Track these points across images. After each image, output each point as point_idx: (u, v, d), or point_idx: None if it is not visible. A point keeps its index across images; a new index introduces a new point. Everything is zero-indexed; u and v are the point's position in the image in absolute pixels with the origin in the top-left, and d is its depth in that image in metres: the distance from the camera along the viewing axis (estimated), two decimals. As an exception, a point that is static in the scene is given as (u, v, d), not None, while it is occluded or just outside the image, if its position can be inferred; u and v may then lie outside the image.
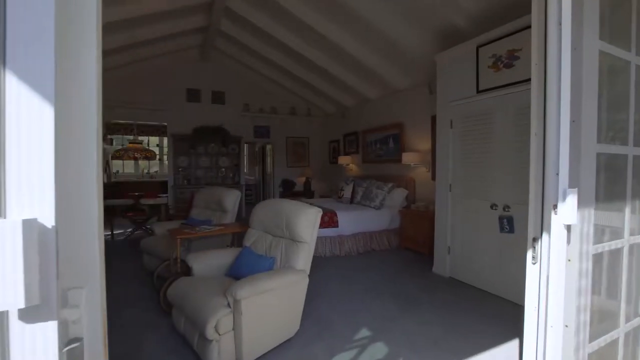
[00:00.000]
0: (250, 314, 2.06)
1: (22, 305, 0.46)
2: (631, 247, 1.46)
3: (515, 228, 3.08)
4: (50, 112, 0.50)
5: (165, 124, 7.48)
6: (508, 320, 2.72)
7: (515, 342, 2.41)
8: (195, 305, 2.14)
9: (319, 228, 2.58)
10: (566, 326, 1.25)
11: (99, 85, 0.63)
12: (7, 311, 0.49)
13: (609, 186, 1.49)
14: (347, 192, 6.02)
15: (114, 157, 9.15)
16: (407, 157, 5.34)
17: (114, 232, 5.87)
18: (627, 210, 1.44)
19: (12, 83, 0.49)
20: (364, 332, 2.56)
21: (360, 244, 4.96)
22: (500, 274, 3.23)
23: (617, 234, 1.49)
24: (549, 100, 1.25)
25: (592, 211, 1.29)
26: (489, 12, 3.44)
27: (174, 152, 7.49)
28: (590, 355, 1.32)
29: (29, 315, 0.49)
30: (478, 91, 3.40)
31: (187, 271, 2.68)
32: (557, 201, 1.17)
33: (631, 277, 1.49)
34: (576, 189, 1.16)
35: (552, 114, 1.24)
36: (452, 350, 2.33)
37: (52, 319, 0.51)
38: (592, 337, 1.34)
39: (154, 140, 11.02)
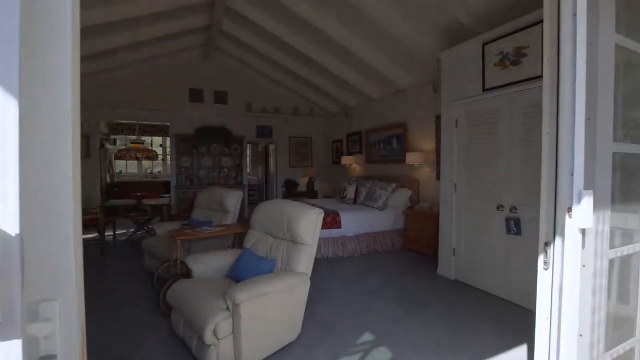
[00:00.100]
0: (250, 318, 2.01)
1: (-24, 325, 0.41)
2: (648, 251, 1.39)
3: (523, 230, 3.01)
4: (14, 112, 0.45)
5: (168, 124, 7.47)
6: (515, 324, 2.65)
7: (523, 348, 2.34)
8: (193, 308, 2.10)
9: (322, 229, 2.52)
10: (580, 335, 1.18)
11: (76, 84, 0.58)
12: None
13: (624, 185, 1.42)
14: (350, 193, 5.96)
15: (117, 157, 9.16)
16: (411, 157, 5.26)
17: (117, 232, 5.86)
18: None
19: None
20: (367, 336, 2.50)
21: (364, 245, 4.89)
22: (507, 276, 3.15)
23: (632, 237, 1.42)
24: (562, 97, 1.19)
25: (608, 213, 1.23)
26: (495, 8, 3.37)
27: (176, 152, 7.48)
28: (605, 366, 1.25)
29: (-13, 334, 0.44)
30: (484, 89, 3.33)
31: (187, 272, 2.64)
32: (571, 203, 1.10)
33: (648, 282, 1.42)
34: (592, 190, 1.10)
35: (565, 111, 1.17)
36: (458, 355, 2.26)
37: (15, 336, 0.46)
38: (608, 347, 1.27)
39: (157, 140, 11.03)
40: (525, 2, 2.88)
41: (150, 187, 8.91)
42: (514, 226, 3.06)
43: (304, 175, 8.45)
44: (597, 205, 1.15)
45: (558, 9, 1.18)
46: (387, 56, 5.06)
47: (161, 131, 9.73)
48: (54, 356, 0.53)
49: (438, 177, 4.45)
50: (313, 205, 5.11)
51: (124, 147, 9.22)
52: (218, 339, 1.96)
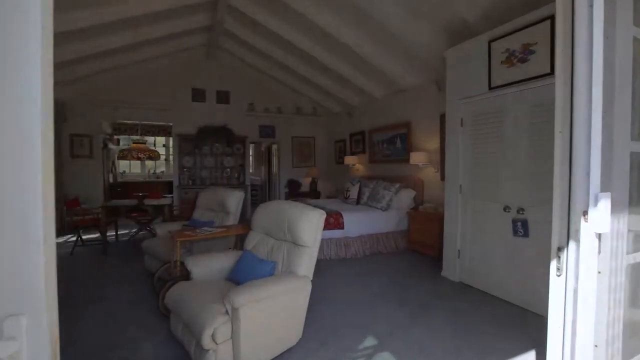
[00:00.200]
0: (249, 322, 1.96)
1: None
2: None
3: (530, 232, 2.93)
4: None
5: (171, 124, 7.45)
6: (523, 329, 2.57)
7: (532, 354, 2.26)
8: (192, 311, 2.05)
9: (325, 230, 2.46)
10: (596, 346, 1.11)
11: (47, 83, 0.53)
12: None
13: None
14: (353, 193, 5.89)
15: (119, 157, 9.17)
16: (415, 157, 5.19)
17: (119, 233, 5.84)
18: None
19: None
20: (370, 341, 2.44)
21: (367, 246, 4.83)
22: (513, 279, 3.07)
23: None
24: (577, 94, 1.12)
25: (626, 217, 1.16)
26: (502, 4, 3.29)
27: (179, 152, 7.46)
28: (622, 378, 1.18)
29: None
30: (490, 88, 3.25)
31: (187, 274, 2.59)
32: (587, 207, 1.03)
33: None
34: (609, 192, 1.03)
35: (580, 108, 1.10)
36: (463, 362, 2.19)
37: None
38: (625, 358, 1.20)
39: (161, 140, 11.02)
40: (533, -2, 2.80)
41: (154, 187, 8.90)
42: (521, 228, 2.98)
43: (307, 176, 8.40)
44: (613, 208, 1.08)
45: (572, 0, 1.11)
46: (391, 55, 4.99)
47: (164, 131, 9.71)
48: (20, 377, 0.48)
49: (443, 178, 4.37)
50: (315, 205, 5.07)
51: (126, 147, 9.23)
52: (217, 344, 1.91)
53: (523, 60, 2.93)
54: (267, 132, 8.19)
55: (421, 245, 4.75)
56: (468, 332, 2.56)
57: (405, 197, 5.23)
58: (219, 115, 7.55)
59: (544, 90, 2.77)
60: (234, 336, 1.94)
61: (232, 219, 3.80)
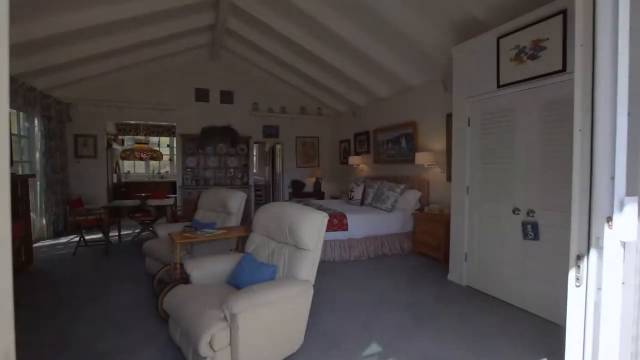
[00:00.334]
0: (248, 329, 1.89)
1: None
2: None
3: (541, 235, 2.83)
4: None
5: (175, 124, 7.43)
6: (532, 336, 2.47)
7: (543, 364, 2.17)
8: (189, 317, 1.98)
9: (328, 231, 2.39)
10: (619, 364, 1.02)
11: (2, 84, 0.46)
12: None
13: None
14: (357, 194, 5.81)
15: (121, 158, 9.19)
16: (421, 157, 5.08)
17: (122, 233, 5.83)
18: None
19: None
20: (374, 348, 2.36)
21: (371, 248, 4.74)
22: (523, 284, 2.97)
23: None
24: (599, 90, 1.03)
25: (652, 223, 1.06)
26: (510, 0, 3.18)
27: (182, 152, 7.43)
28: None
29: None
30: (499, 86, 3.15)
31: (187, 277, 2.53)
32: (611, 212, 0.94)
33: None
34: (636, 197, 0.94)
35: (602, 105, 1.01)
36: (471, 371, 2.10)
37: None
38: (650, 376, 1.10)
39: (165, 140, 11.05)
40: (545, -8, 2.70)
41: (158, 187, 8.91)
42: (531, 231, 2.88)
43: (311, 176, 8.33)
44: None
45: (594, -13, 1.02)
46: (396, 53, 4.90)
47: (168, 131, 9.74)
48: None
49: (449, 178, 4.27)
50: (319, 206, 4.99)
51: (129, 147, 9.25)
52: (214, 351, 1.84)
53: (533, 57, 2.82)
54: (271, 132, 8.14)
55: (427, 247, 4.65)
56: (476, 338, 2.46)
57: (411, 198, 5.14)
58: (223, 115, 7.51)
59: (556, 87, 2.67)
60: (233, 343, 1.88)
61: (235, 220, 3.74)
